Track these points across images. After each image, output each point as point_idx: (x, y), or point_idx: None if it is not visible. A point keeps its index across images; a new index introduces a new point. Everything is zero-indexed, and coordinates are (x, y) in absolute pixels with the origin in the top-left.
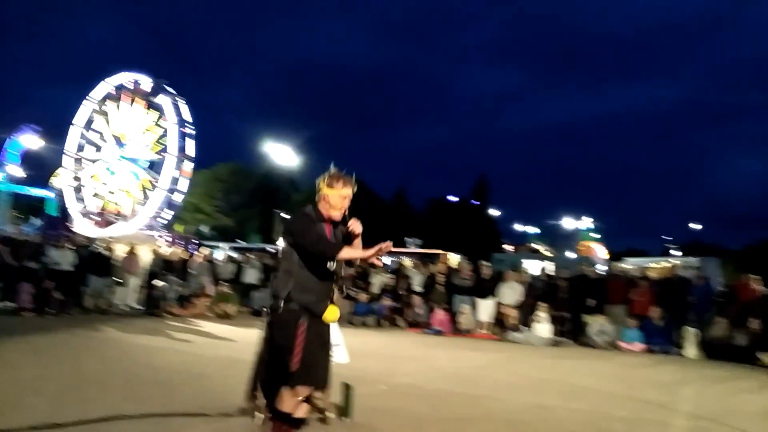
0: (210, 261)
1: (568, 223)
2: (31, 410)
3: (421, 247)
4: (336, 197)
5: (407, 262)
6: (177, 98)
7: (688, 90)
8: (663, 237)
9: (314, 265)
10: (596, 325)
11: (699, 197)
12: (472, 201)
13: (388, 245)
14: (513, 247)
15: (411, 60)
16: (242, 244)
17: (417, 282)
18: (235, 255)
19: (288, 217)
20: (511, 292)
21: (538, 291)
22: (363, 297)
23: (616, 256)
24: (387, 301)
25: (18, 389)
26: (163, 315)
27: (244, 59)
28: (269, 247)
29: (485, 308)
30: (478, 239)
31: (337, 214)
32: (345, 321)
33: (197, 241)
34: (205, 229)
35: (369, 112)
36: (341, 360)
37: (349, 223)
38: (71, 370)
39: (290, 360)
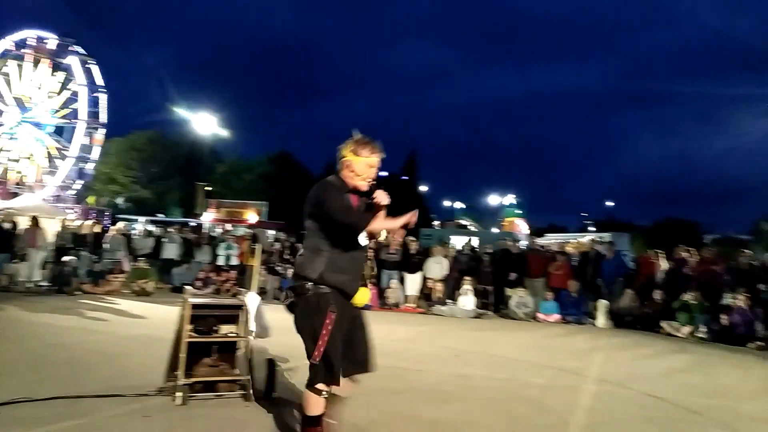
0: (126, 235)
1: (493, 199)
2: None
3: None
4: (362, 165)
5: None
6: (87, 59)
7: (607, 74)
8: (581, 214)
9: (346, 241)
10: (516, 297)
11: (614, 176)
12: (402, 176)
13: (414, 214)
14: (440, 223)
15: (342, 31)
16: (162, 217)
17: None
18: (153, 229)
19: (312, 188)
20: (437, 267)
21: (463, 265)
22: (290, 272)
23: (538, 231)
24: None
25: None
26: (74, 292)
27: (164, 21)
28: (191, 221)
29: (412, 282)
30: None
31: (363, 184)
32: (271, 297)
33: (111, 214)
34: (120, 201)
35: (298, 84)
36: (264, 335)
37: (375, 193)
38: None
39: (312, 350)
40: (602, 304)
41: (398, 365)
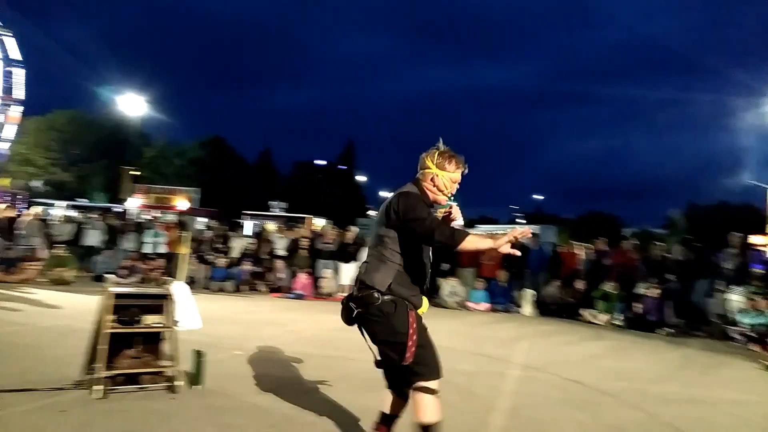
0: (43, 220)
1: None
2: None
3: (286, 210)
4: (447, 180)
5: (270, 225)
6: (1, 30)
7: (540, 72)
8: (511, 207)
9: (418, 254)
10: (448, 286)
11: (543, 171)
12: (339, 166)
13: (525, 232)
14: (376, 213)
15: (280, 19)
16: (83, 202)
17: (280, 246)
18: (74, 214)
19: (394, 196)
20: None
21: None
22: (221, 261)
23: (469, 223)
24: (247, 266)
25: None
26: None
27: None
28: (116, 207)
29: (347, 272)
30: (344, 204)
31: (443, 199)
32: (201, 286)
33: (28, 198)
34: (38, 184)
35: (235, 69)
36: (192, 326)
37: (451, 208)
38: None
39: (402, 352)
40: (528, 294)
41: (331, 354)
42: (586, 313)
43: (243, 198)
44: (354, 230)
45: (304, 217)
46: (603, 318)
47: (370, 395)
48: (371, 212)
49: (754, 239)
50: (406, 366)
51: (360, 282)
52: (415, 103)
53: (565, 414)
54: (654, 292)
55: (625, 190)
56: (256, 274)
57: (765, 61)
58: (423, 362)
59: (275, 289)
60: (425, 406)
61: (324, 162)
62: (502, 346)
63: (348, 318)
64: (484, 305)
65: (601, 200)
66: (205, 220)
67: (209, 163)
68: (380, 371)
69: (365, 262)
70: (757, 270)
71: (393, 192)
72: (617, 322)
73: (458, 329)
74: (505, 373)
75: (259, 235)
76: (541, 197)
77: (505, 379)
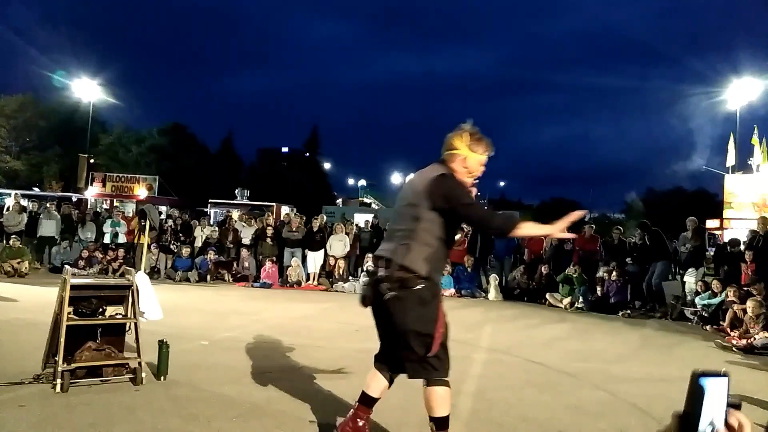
0: None
1: (396, 178)
2: None
3: (251, 198)
4: (475, 162)
5: (235, 214)
6: None
7: (501, 59)
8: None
9: (450, 239)
10: None
11: (506, 157)
12: (305, 152)
13: (581, 214)
14: (342, 200)
15: (244, 1)
16: (37, 191)
17: (245, 234)
18: (27, 204)
19: (433, 178)
20: (339, 244)
21: (365, 242)
22: (184, 251)
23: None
24: (211, 255)
25: None
26: None
27: None
28: (72, 196)
29: (314, 260)
30: (310, 192)
31: (470, 182)
32: (163, 276)
33: None
34: None
35: (196, 54)
36: (154, 317)
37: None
38: None
39: (428, 344)
40: (493, 279)
41: (298, 342)
42: (550, 297)
43: (207, 186)
44: (321, 218)
45: (270, 205)
46: (566, 301)
47: (338, 382)
48: (338, 200)
49: (709, 223)
50: (424, 358)
51: (396, 264)
52: (379, 89)
53: (529, 395)
54: (614, 275)
55: (585, 175)
56: (221, 263)
57: (720, 49)
58: (443, 356)
59: (241, 279)
60: (444, 399)
61: (288, 149)
62: (468, 331)
63: (376, 300)
64: (450, 290)
65: (562, 186)
66: (165, 208)
67: (169, 151)
68: (353, 357)
69: (401, 243)
70: (710, 253)
71: (416, 172)
72: (579, 306)
73: None
74: (471, 356)
75: (224, 224)
76: (504, 183)
77: (471, 362)
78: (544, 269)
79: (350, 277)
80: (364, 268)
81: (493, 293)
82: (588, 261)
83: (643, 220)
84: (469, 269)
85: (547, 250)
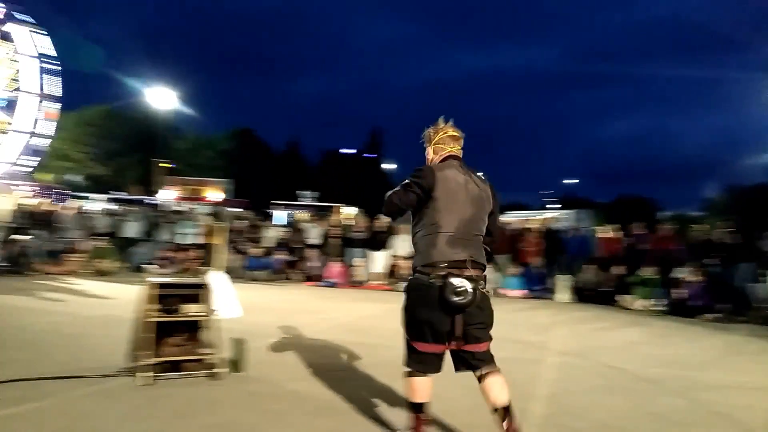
0: (82, 213)
1: None
2: None
3: (316, 200)
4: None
5: (301, 215)
6: (36, 29)
7: (570, 52)
8: (541, 192)
9: None
10: None
11: (575, 154)
12: (367, 154)
13: None
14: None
15: (305, 6)
16: (121, 195)
17: (312, 235)
18: (113, 207)
19: (491, 186)
20: (403, 244)
21: None
22: (255, 251)
23: (502, 209)
24: (281, 255)
25: None
26: (29, 273)
27: None
28: (150, 199)
29: (378, 260)
30: (372, 192)
31: None
32: (236, 275)
33: (67, 192)
34: (78, 178)
35: (260, 59)
36: (234, 314)
37: None
38: None
39: (490, 337)
40: (564, 280)
41: (366, 342)
42: (624, 299)
43: (271, 188)
44: (384, 218)
45: (333, 207)
46: (641, 304)
47: (402, 381)
48: None
49: None
50: (486, 350)
51: (482, 266)
52: (440, 88)
53: (606, 401)
54: (695, 276)
55: (659, 172)
56: (290, 263)
57: None
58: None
59: (308, 278)
60: (505, 384)
61: (352, 150)
62: (539, 333)
63: (475, 298)
64: (519, 292)
65: (635, 183)
66: (237, 210)
67: (238, 155)
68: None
69: (481, 248)
70: None
71: (461, 172)
72: (656, 308)
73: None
74: (543, 359)
75: (292, 225)
76: (574, 181)
77: (542, 365)
78: (617, 270)
79: None
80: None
81: (564, 294)
82: (665, 261)
83: (729, 217)
84: (539, 270)
85: (620, 249)
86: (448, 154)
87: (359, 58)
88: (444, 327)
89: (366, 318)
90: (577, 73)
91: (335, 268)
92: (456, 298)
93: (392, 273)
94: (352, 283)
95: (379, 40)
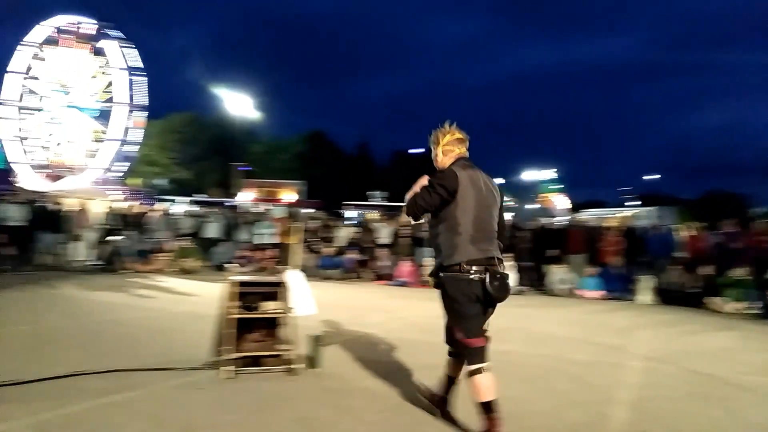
0: (168, 215)
1: (529, 174)
2: None
3: (386, 200)
4: None
5: (372, 215)
6: (123, 43)
7: (648, 42)
8: (620, 188)
9: None
10: (557, 273)
11: (655, 149)
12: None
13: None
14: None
15: (373, 7)
16: (204, 197)
17: (382, 235)
18: (195, 209)
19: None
20: None
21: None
22: (328, 250)
23: (576, 207)
24: (352, 254)
25: None
26: (121, 271)
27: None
28: (230, 201)
29: None
30: None
31: None
32: (310, 274)
33: (154, 195)
34: (162, 182)
35: (331, 63)
36: (309, 312)
37: None
38: (31, 327)
39: None
40: (647, 280)
41: (439, 341)
42: (713, 302)
43: (343, 189)
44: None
45: (403, 206)
46: (733, 306)
47: None
48: None
49: None
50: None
51: (500, 259)
52: (510, 84)
53: (695, 409)
54: None
55: (751, 166)
56: (361, 262)
57: None
58: None
59: (380, 277)
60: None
61: (421, 150)
62: (619, 336)
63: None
64: (597, 293)
65: (723, 177)
66: (310, 210)
67: (311, 157)
68: (493, 359)
69: (495, 240)
70: None
71: (474, 172)
72: (749, 311)
73: (569, 317)
74: (624, 363)
75: (362, 225)
76: (656, 177)
77: (623, 369)
78: (705, 270)
79: None
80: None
81: (646, 296)
82: (759, 261)
83: None
84: (618, 270)
85: (708, 248)
86: (458, 156)
87: (429, 57)
88: (483, 320)
89: (437, 317)
90: (656, 62)
91: (406, 267)
92: (498, 293)
93: None
94: (422, 282)
95: (449, 38)
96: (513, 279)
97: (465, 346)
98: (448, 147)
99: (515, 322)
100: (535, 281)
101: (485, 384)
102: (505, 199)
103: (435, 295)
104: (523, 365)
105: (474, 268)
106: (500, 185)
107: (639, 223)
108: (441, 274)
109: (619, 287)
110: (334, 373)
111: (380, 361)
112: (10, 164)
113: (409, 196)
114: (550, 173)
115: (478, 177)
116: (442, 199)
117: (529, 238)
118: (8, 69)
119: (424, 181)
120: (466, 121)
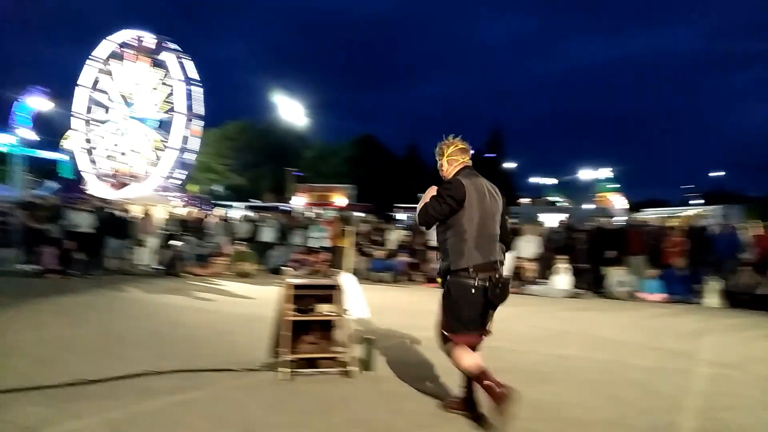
0: (225, 220)
1: (585, 174)
2: (65, 368)
3: None
4: None
5: None
6: (182, 55)
7: (708, 33)
8: (683, 186)
9: None
10: (616, 276)
11: (719, 145)
12: (486, 154)
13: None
14: (528, 200)
15: (420, 10)
16: (258, 202)
17: (433, 237)
18: (250, 214)
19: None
20: (528, 246)
21: (556, 243)
22: (379, 253)
23: (635, 206)
24: (404, 257)
25: (51, 348)
26: (182, 274)
27: (248, 10)
28: (283, 206)
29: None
30: None
31: None
32: (362, 277)
33: (212, 201)
34: (218, 188)
35: (379, 66)
36: (362, 315)
37: None
38: (99, 329)
39: None
40: (713, 283)
41: (492, 345)
42: None
43: (393, 192)
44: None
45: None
46: None
47: (538, 387)
48: (523, 200)
49: None
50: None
51: (502, 263)
52: (565, 81)
53: None
54: None
55: None
56: (412, 265)
57: None
58: None
59: (430, 280)
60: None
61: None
62: (684, 341)
63: (501, 291)
64: (659, 295)
65: None
66: (361, 214)
67: (361, 161)
68: (550, 363)
69: (498, 244)
70: None
71: (476, 179)
72: None
73: (630, 321)
74: (691, 370)
75: (414, 227)
76: (721, 173)
77: (690, 376)
78: None
79: (541, 280)
80: (556, 270)
81: (712, 299)
82: None
83: None
84: (682, 271)
85: None
86: (462, 165)
87: (479, 58)
88: (480, 320)
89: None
90: (718, 54)
91: None
92: (499, 299)
93: (517, 275)
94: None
95: (499, 36)
96: (568, 282)
97: (452, 341)
98: (453, 157)
99: (573, 326)
100: (592, 284)
101: (468, 359)
102: (559, 199)
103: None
104: (583, 370)
105: (480, 275)
106: (553, 185)
107: (704, 223)
108: (449, 278)
109: (682, 290)
110: (389, 376)
111: (434, 364)
112: (81, 173)
113: (419, 206)
114: (606, 172)
115: (482, 184)
116: (451, 208)
117: (585, 239)
118: (78, 83)
119: (434, 191)
120: (518, 120)
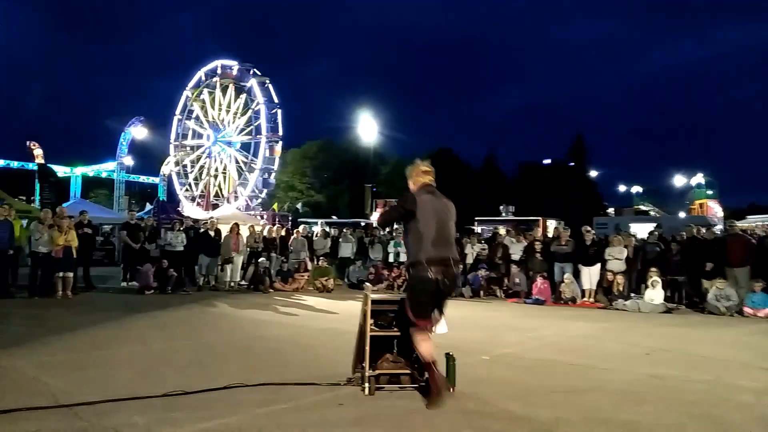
0: (306, 237)
1: (678, 180)
2: (162, 379)
3: (516, 214)
4: None
5: (502, 230)
6: (264, 80)
7: None
8: None
9: None
10: (715, 289)
11: None
12: (568, 162)
13: None
14: (615, 210)
15: (498, 19)
16: (336, 219)
17: (514, 250)
18: (330, 230)
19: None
20: (617, 258)
21: (648, 255)
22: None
23: (736, 213)
24: (482, 272)
25: (149, 361)
26: (267, 290)
27: (327, 33)
28: (362, 221)
29: (588, 275)
30: (577, 203)
31: None
32: None
33: (294, 218)
34: (299, 206)
35: (456, 78)
36: (441, 330)
37: None
38: (193, 342)
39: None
40: None
41: (580, 363)
42: None
43: (472, 204)
44: (590, 230)
45: (536, 220)
46: None
47: (632, 408)
48: (610, 210)
49: None
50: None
51: (456, 260)
52: (652, 84)
53: None
54: None
55: None
56: (493, 280)
57: None
58: None
59: (512, 295)
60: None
61: (550, 160)
62: None
63: (449, 284)
64: (766, 310)
65: None
66: None
67: (438, 174)
68: (645, 383)
69: (452, 244)
70: None
71: (435, 195)
72: None
73: (733, 338)
74: None
75: (492, 240)
76: None
77: None
78: None
79: (632, 294)
80: (649, 284)
81: None
82: None
83: None
84: None
85: None
86: (423, 184)
87: (556, 65)
88: (433, 307)
89: (578, 337)
90: None
91: (540, 284)
92: (448, 289)
93: (606, 290)
94: (559, 300)
95: (576, 44)
96: (661, 296)
97: (413, 322)
98: (416, 178)
99: (668, 343)
100: (689, 298)
101: (425, 345)
102: (646, 208)
103: (575, 313)
104: (681, 391)
105: (433, 268)
106: (642, 193)
107: None
108: (410, 270)
109: None
110: (470, 394)
111: (518, 382)
112: (176, 195)
113: (381, 211)
114: (700, 178)
115: (438, 198)
116: (400, 214)
117: (678, 250)
118: (176, 113)
119: (394, 203)
120: (600, 127)
